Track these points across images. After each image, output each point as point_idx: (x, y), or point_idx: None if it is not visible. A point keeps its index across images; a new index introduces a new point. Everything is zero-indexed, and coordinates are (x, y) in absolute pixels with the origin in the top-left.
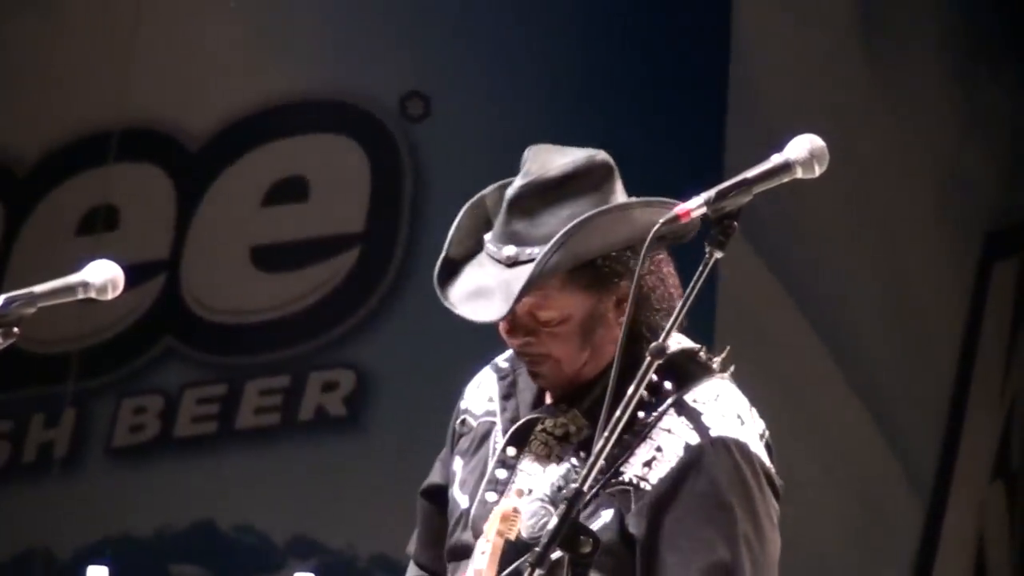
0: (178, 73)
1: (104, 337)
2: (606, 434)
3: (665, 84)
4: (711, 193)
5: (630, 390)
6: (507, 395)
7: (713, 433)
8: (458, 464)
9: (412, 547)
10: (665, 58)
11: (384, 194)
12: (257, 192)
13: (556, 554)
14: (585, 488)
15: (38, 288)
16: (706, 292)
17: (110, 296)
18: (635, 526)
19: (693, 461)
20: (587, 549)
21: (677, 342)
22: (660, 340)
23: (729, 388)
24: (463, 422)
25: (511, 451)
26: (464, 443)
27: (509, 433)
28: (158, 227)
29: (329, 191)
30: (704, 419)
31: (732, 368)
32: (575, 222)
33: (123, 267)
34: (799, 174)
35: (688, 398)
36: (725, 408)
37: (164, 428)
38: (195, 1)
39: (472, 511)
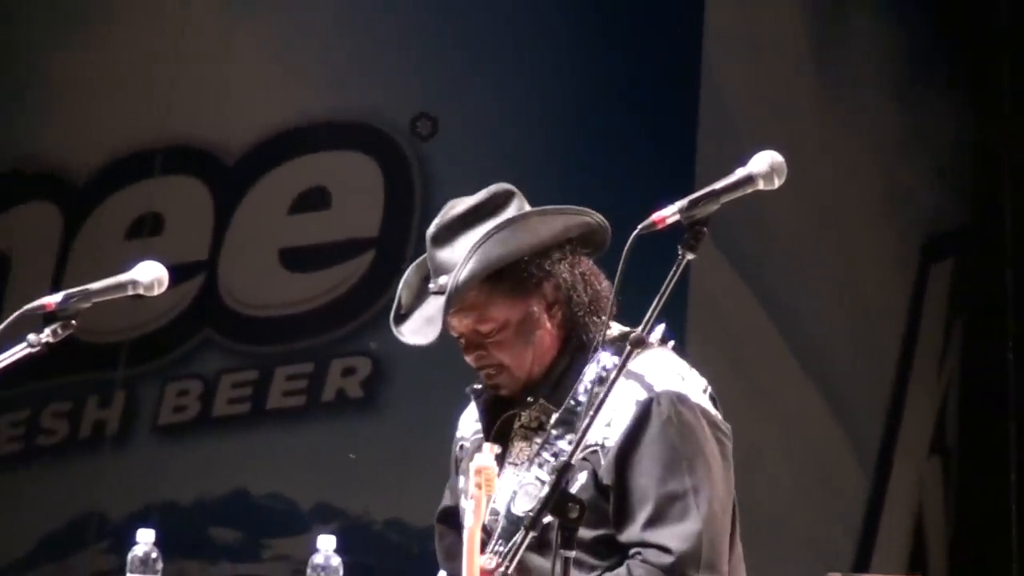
0: (215, 97)
1: (150, 329)
2: (591, 413)
3: (646, 107)
4: (684, 202)
5: (612, 376)
6: (484, 408)
7: (657, 388)
8: (462, 482)
9: (440, 564)
10: (646, 85)
11: (396, 203)
12: (285, 201)
13: (547, 519)
14: (573, 461)
15: (93, 286)
16: (679, 290)
17: (156, 293)
18: (607, 477)
19: (644, 413)
20: (575, 515)
21: (618, 327)
22: (640, 331)
23: (668, 355)
24: (461, 447)
25: (497, 449)
26: (464, 464)
27: (493, 432)
28: (198, 232)
29: (348, 200)
30: (647, 379)
31: (672, 343)
32: (478, 238)
33: (167, 267)
34: (760, 186)
35: (632, 366)
36: (665, 369)
37: (203, 408)
38: (228, 35)
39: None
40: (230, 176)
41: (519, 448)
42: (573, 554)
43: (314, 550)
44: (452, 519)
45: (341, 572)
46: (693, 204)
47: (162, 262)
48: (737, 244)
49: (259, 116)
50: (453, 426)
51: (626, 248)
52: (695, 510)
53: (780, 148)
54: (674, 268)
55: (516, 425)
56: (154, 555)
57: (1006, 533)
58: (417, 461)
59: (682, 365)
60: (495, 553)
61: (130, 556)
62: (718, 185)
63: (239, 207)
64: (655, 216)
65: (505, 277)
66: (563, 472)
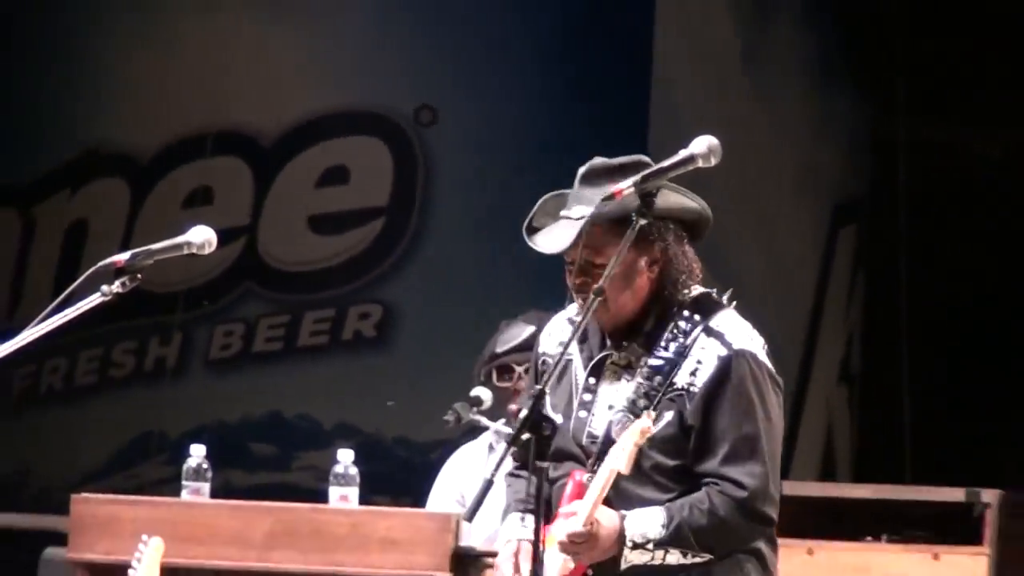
0: (255, 91)
1: (202, 282)
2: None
3: (608, 100)
4: (637, 177)
5: (697, 331)
6: (582, 339)
7: (735, 347)
8: (548, 392)
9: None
10: (609, 82)
11: (402, 179)
12: (312, 177)
13: (525, 436)
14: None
15: (154, 246)
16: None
17: (207, 252)
18: (691, 418)
19: (726, 367)
20: (547, 432)
21: (696, 289)
22: (716, 294)
23: (737, 316)
24: (543, 362)
25: (591, 381)
26: (548, 378)
27: (589, 367)
28: (241, 202)
29: (363, 177)
30: (727, 337)
31: (735, 303)
32: (624, 184)
33: (216, 231)
34: (700, 164)
35: (712, 324)
36: (740, 329)
37: (245, 346)
38: (266, 40)
39: (570, 425)
40: (267, 157)
41: (612, 380)
42: (547, 465)
43: (335, 461)
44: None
45: (357, 479)
46: (645, 179)
47: (211, 227)
48: None
49: (290, 107)
50: (536, 342)
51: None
52: (763, 453)
53: (717, 133)
54: (629, 230)
55: (608, 362)
56: (204, 466)
57: (901, 445)
58: (420, 389)
59: (748, 326)
60: (592, 472)
61: (184, 466)
62: (666, 163)
63: (274, 182)
64: (614, 188)
65: (625, 223)
66: (538, 398)
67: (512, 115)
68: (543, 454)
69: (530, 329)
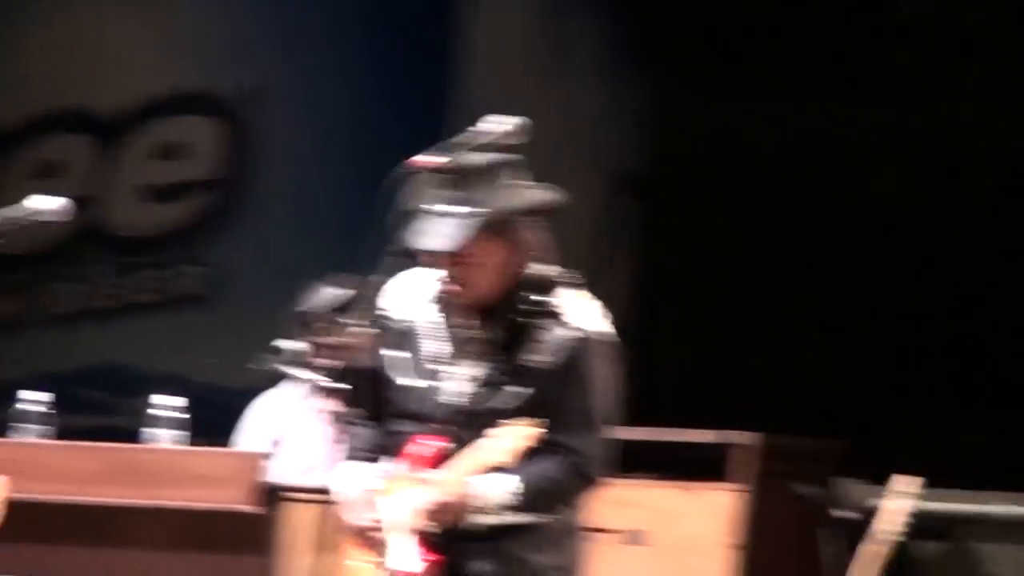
0: (99, 72)
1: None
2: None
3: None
4: (440, 151)
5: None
6: (433, 311)
7: (578, 327)
8: (389, 353)
9: (351, 397)
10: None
11: (232, 154)
12: (150, 151)
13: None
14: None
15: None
16: None
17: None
18: (536, 392)
19: (567, 347)
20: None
21: (546, 271)
22: (565, 276)
23: (579, 297)
24: (386, 324)
25: (441, 352)
26: (390, 339)
27: (440, 340)
28: (85, 175)
29: (200, 151)
30: (570, 319)
31: (578, 284)
32: (503, 189)
33: (66, 200)
34: (502, 141)
35: (557, 306)
36: (582, 310)
37: (85, 303)
38: (114, 25)
39: (420, 389)
40: (109, 133)
41: (460, 356)
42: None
43: (159, 407)
44: (371, 373)
45: (179, 423)
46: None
47: (58, 196)
48: None
49: (131, 87)
50: (377, 302)
51: (395, 184)
52: (598, 424)
53: (513, 111)
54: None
55: (458, 336)
56: (43, 410)
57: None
58: (238, 343)
59: (592, 305)
60: (443, 436)
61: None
62: (468, 139)
63: (115, 156)
64: (416, 159)
65: (501, 224)
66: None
67: (332, 96)
68: (358, 403)
69: (336, 292)
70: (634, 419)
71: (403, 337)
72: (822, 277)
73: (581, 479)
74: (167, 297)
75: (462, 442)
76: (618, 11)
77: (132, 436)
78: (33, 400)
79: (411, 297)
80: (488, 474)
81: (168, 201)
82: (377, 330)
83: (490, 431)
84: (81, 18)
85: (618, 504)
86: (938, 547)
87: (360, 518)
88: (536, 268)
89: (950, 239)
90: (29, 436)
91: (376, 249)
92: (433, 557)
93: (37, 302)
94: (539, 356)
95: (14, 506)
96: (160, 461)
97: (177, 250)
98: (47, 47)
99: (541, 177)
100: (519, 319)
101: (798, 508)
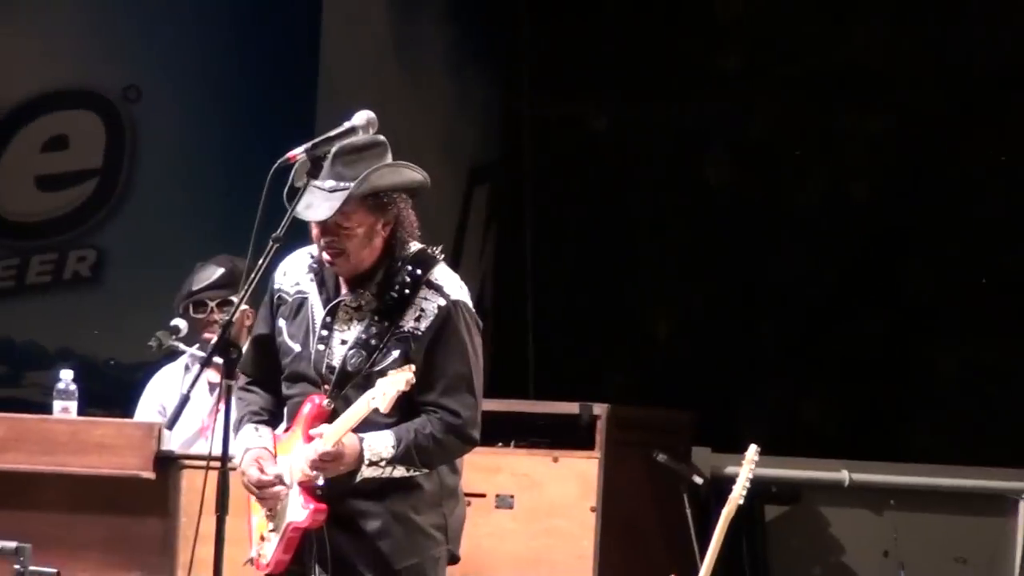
0: None
1: None
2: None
3: (282, 80)
4: (308, 144)
5: (418, 281)
6: (320, 283)
7: (453, 298)
8: (283, 323)
9: (242, 364)
10: (281, 64)
11: (113, 145)
12: (38, 144)
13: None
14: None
15: None
16: None
17: None
18: (416, 357)
19: (444, 315)
20: (235, 356)
21: (415, 245)
22: (431, 251)
23: (449, 269)
24: (279, 296)
25: (328, 319)
26: (284, 310)
27: (327, 309)
28: None
29: (80, 143)
30: (445, 289)
31: (444, 257)
32: (371, 168)
33: None
34: (360, 134)
35: (432, 277)
36: (454, 282)
37: None
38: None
39: (310, 354)
40: (1, 126)
41: (345, 320)
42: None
43: (58, 380)
44: (267, 341)
45: (76, 395)
46: (315, 147)
47: None
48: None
49: (19, 85)
50: (271, 278)
51: (269, 176)
52: (474, 387)
53: (374, 108)
54: (302, 189)
55: (343, 305)
56: None
57: (526, 368)
58: (128, 320)
59: (458, 277)
60: (331, 396)
61: None
62: (331, 133)
63: (6, 148)
64: (289, 154)
65: (375, 198)
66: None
67: (204, 90)
68: (231, 374)
69: (220, 270)
70: (502, 392)
71: (294, 307)
72: (668, 259)
73: (460, 439)
74: (58, 278)
75: (348, 402)
76: (467, 17)
77: (31, 407)
78: None
79: (300, 271)
80: (373, 432)
81: (56, 189)
82: (265, 303)
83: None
84: None
85: (489, 470)
86: (784, 510)
87: (252, 476)
88: (410, 241)
89: (782, 223)
90: None
91: (256, 231)
92: (320, 507)
93: None
94: (417, 323)
95: None
96: (63, 430)
97: (67, 235)
98: None
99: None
100: (397, 287)
101: (653, 474)
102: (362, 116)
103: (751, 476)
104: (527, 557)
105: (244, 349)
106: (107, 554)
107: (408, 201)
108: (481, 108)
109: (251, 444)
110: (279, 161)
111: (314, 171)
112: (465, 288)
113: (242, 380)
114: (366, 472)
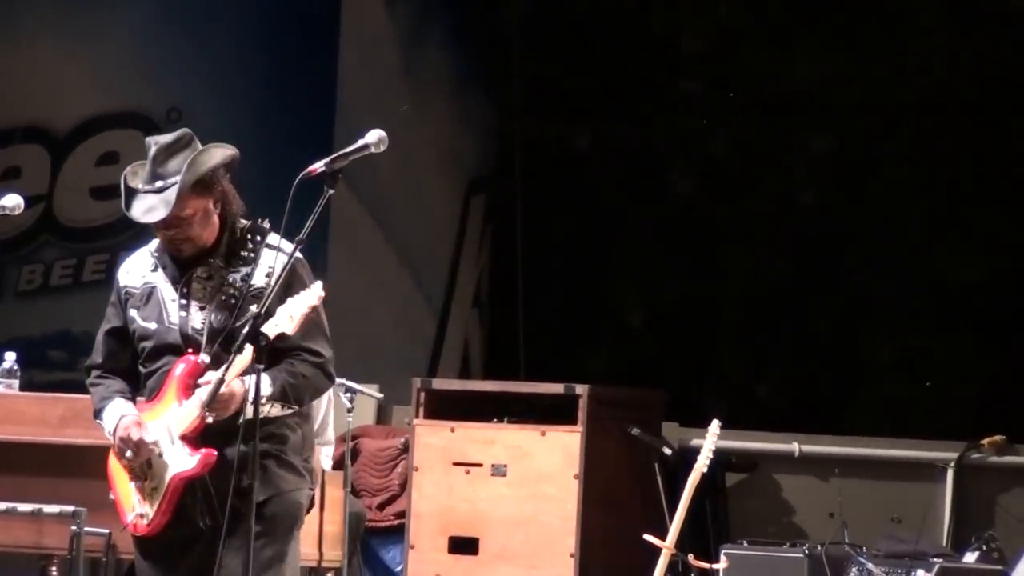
0: (51, 94)
1: (14, 234)
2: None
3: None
4: (327, 160)
5: (263, 244)
6: (164, 267)
7: (291, 254)
8: (134, 312)
9: (93, 360)
10: (303, 90)
11: None
12: (93, 158)
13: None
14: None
15: None
16: (325, 211)
17: (17, 212)
18: (273, 307)
19: (291, 269)
20: (263, 343)
21: (244, 221)
22: (262, 224)
23: (278, 236)
24: (127, 292)
25: (184, 291)
26: (134, 301)
27: (180, 284)
28: (41, 177)
29: (130, 159)
30: (285, 249)
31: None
32: (190, 159)
33: (23, 198)
34: (372, 150)
35: (270, 241)
36: (287, 244)
37: (44, 281)
38: (63, 55)
39: (172, 324)
40: (60, 144)
41: (199, 289)
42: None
43: None
44: (119, 333)
45: None
46: (332, 161)
47: (20, 195)
48: (359, 184)
49: (76, 107)
50: (114, 279)
51: (294, 187)
52: (326, 330)
53: (383, 127)
54: (322, 198)
55: (194, 275)
56: (15, 367)
57: (516, 354)
58: None
59: (288, 241)
60: (207, 353)
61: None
62: (347, 149)
63: (65, 162)
64: (310, 168)
65: (200, 183)
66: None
67: (238, 112)
68: (260, 359)
69: None
70: (496, 374)
71: (144, 296)
72: (642, 258)
73: (325, 375)
74: (111, 275)
75: (218, 357)
76: (466, 49)
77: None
78: (6, 359)
79: (143, 267)
80: (248, 375)
81: (108, 199)
82: (112, 302)
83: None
84: (35, 52)
85: (484, 443)
86: (743, 477)
87: (134, 435)
88: (238, 210)
89: (739, 227)
90: (3, 388)
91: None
92: (209, 451)
93: (7, 280)
94: (268, 279)
95: None
96: None
97: (117, 238)
98: (9, 74)
99: (404, 177)
100: (243, 253)
101: (629, 446)
102: (374, 134)
103: (714, 448)
104: (519, 518)
105: (95, 344)
106: None
107: (227, 175)
108: (479, 127)
109: (124, 412)
110: (302, 174)
111: (141, 172)
112: (292, 246)
113: (95, 374)
114: (248, 412)
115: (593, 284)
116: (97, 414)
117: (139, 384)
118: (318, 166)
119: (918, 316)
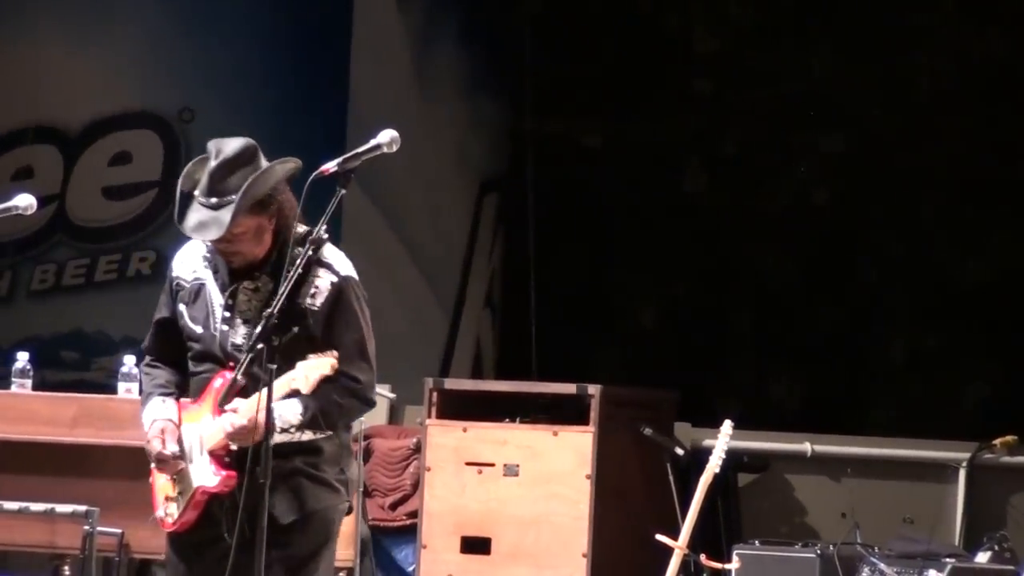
0: (63, 95)
1: (27, 234)
2: (287, 283)
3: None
4: (339, 159)
5: (300, 260)
6: (215, 270)
7: (343, 274)
8: (183, 307)
9: (146, 345)
10: (315, 90)
11: (170, 161)
12: (105, 158)
13: (259, 345)
14: (275, 312)
15: None
16: (337, 212)
17: (29, 213)
18: (315, 329)
19: (339, 290)
20: (276, 342)
21: (300, 228)
22: (314, 234)
23: (335, 248)
24: (178, 283)
25: (229, 302)
26: (184, 295)
27: (228, 292)
28: (54, 177)
29: (142, 159)
30: (335, 267)
31: (328, 236)
32: (250, 179)
33: (36, 198)
34: (384, 151)
35: (321, 257)
36: (341, 259)
37: (57, 281)
38: (74, 57)
39: (214, 335)
40: (72, 144)
41: (244, 301)
42: (275, 366)
43: (122, 364)
44: (169, 324)
45: (139, 377)
46: (345, 161)
47: (32, 195)
48: (371, 184)
49: (88, 107)
50: (169, 267)
51: (306, 187)
52: (368, 353)
53: (397, 128)
54: (334, 198)
55: (241, 287)
56: (27, 367)
57: (528, 354)
58: None
59: (344, 255)
60: (242, 371)
61: (13, 367)
62: (359, 149)
63: (77, 162)
64: (322, 168)
65: (257, 203)
66: (268, 320)
67: (252, 113)
68: (272, 357)
69: None
70: (509, 374)
71: (193, 293)
72: (654, 257)
73: (361, 401)
74: (122, 276)
75: (255, 377)
76: (478, 49)
77: (98, 388)
78: (19, 359)
79: (195, 260)
80: (282, 401)
81: (121, 199)
82: (164, 290)
83: (291, 364)
84: (48, 53)
85: (497, 443)
86: (755, 477)
87: (154, 448)
88: (294, 224)
89: (751, 225)
90: (16, 388)
91: None
92: (230, 474)
93: (19, 280)
94: (312, 299)
95: (5, 445)
96: (126, 409)
97: (130, 238)
98: (22, 75)
99: (416, 177)
100: (289, 267)
101: (641, 446)
102: (386, 135)
103: (726, 448)
104: (531, 518)
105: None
106: None
107: (287, 190)
108: (490, 127)
109: (158, 415)
110: (314, 174)
111: (200, 183)
112: (350, 264)
113: (147, 359)
114: (277, 439)
115: (605, 284)
116: (142, 405)
117: (187, 373)
118: (330, 166)
119: (930, 316)
